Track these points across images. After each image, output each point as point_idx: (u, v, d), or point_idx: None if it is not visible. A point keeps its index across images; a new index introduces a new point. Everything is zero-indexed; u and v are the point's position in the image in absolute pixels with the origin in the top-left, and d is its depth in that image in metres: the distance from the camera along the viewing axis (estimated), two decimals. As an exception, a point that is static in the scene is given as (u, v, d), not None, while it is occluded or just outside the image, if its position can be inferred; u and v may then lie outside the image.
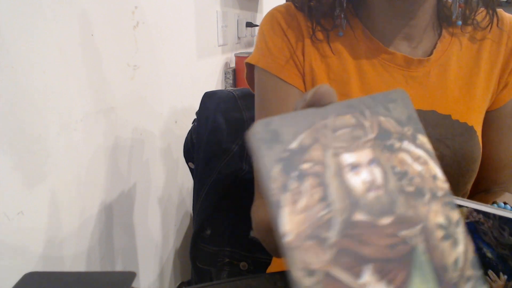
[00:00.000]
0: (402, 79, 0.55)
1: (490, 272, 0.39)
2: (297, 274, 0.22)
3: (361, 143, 0.26)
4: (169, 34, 0.93)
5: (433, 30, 0.56)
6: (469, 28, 0.56)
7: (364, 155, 0.26)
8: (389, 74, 0.54)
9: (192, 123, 0.73)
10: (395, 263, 0.24)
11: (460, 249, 0.25)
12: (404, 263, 0.24)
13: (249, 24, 1.56)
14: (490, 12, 0.54)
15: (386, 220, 0.25)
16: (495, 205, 0.48)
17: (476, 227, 0.40)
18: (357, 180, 0.25)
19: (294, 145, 0.25)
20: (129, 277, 0.41)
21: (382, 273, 0.24)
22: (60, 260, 0.61)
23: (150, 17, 0.83)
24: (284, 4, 0.56)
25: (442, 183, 0.26)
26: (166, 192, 1.00)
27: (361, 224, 0.24)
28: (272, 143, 0.25)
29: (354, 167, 0.25)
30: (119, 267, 0.79)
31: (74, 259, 0.64)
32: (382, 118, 0.27)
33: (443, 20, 0.57)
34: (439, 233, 0.25)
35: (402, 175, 0.26)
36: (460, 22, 0.55)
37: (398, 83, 0.55)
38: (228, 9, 1.36)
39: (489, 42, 0.56)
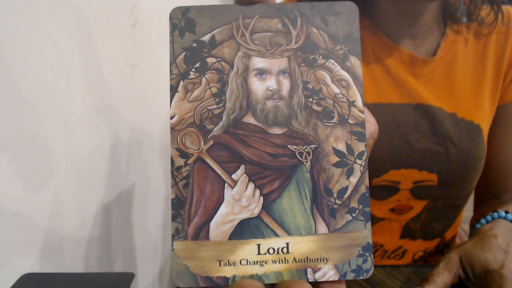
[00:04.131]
0: (409, 75, 0.55)
1: None
2: (173, 152, 0.24)
3: (279, 51, 0.25)
4: (168, 32, 0.93)
5: (437, 28, 0.56)
6: (474, 25, 0.56)
7: (277, 63, 0.25)
8: (395, 69, 0.54)
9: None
10: (272, 172, 0.25)
11: (352, 180, 0.25)
12: (282, 175, 0.25)
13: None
14: (495, 8, 0.54)
15: (277, 130, 0.25)
16: (496, 213, 0.48)
17: None
18: (260, 86, 0.25)
19: (205, 37, 0.25)
20: (128, 278, 0.41)
21: (255, 176, 0.24)
22: (58, 261, 0.60)
23: (148, 15, 0.83)
24: None
25: (358, 111, 0.25)
26: (165, 192, 0.99)
27: (249, 127, 0.25)
28: (185, 31, 0.25)
29: (261, 73, 0.25)
30: (117, 268, 0.78)
31: (72, 260, 0.63)
32: (314, 30, 0.25)
33: (447, 17, 0.56)
34: (334, 158, 0.25)
35: (313, 92, 0.25)
36: (464, 19, 0.54)
37: (405, 78, 0.55)
38: (227, 8, 1.35)
39: (495, 37, 0.56)
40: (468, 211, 0.63)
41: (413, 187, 0.57)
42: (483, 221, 0.48)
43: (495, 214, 0.48)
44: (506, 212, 0.47)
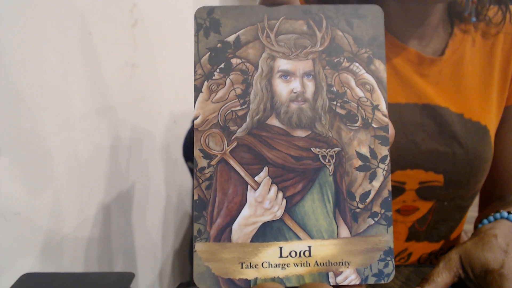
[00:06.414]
0: (416, 74, 0.54)
1: None
2: (196, 153, 0.24)
3: (304, 53, 0.25)
4: (168, 32, 0.93)
5: (444, 28, 0.56)
6: (482, 24, 0.56)
7: (301, 65, 0.25)
8: (403, 69, 0.54)
9: (191, 122, 0.73)
10: (296, 175, 0.24)
11: (375, 184, 0.25)
12: (305, 177, 0.24)
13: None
14: (503, 8, 0.54)
15: (301, 133, 0.25)
16: (498, 214, 0.48)
17: None
18: (285, 88, 0.25)
19: (230, 38, 0.25)
20: (128, 278, 0.41)
21: (278, 179, 0.24)
22: (58, 261, 0.60)
23: (148, 15, 0.83)
24: None
25: (381, 115, 0.25)
26: (165, 192, 0.99)
27: (273, 129, 0.25)
28: (210, 31, 0.25)
29: (286, 75, 0.25)
30: (117, 268, 0.78)
31: (72, 260, 0.63)
32: (338, 33, 0.25)
33: (455, 16, 0.56)
34: (357, 162, 0.25)
35: (337, 95, 0.25)
36: (474, 19, 0.54)
37: (413, 78, 0.54)
38: (227, 8, 1.35)
39: (502, 37, 0.55)
40: (472, 211, 0.63)
41: (419, 188, 0.56)
42: (485, 221, 0.48)
43: (497, 215, 0.47)
44: (509, 212, 0.47)
